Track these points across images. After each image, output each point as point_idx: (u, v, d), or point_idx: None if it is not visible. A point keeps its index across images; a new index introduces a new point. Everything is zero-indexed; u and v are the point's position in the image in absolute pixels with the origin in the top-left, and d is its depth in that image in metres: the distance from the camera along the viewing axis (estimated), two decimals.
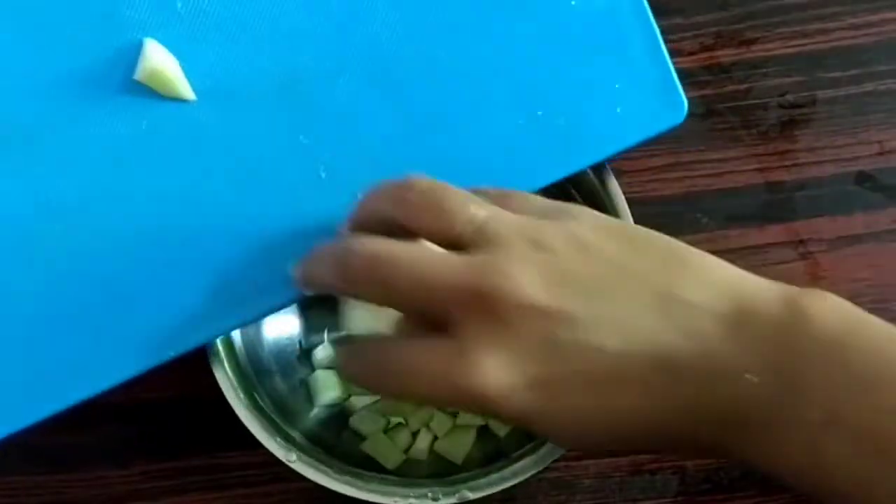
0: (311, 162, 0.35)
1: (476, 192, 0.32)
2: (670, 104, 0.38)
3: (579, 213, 0.31)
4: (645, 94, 0.38)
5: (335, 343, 0.33)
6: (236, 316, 0.37)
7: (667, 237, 0.31)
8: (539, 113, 0.36)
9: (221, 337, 0.42)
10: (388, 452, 0.45)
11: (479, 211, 0.30)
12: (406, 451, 0.46)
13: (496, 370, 0.27)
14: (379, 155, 0.36)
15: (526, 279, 0.28)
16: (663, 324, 0.28)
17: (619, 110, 0.37)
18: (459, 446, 0.46)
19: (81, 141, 0.34)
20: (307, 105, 0.35)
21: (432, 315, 0.29)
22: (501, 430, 0.46)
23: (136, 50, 0.34)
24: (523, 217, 0.30)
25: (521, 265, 0.28)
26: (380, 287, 0.29)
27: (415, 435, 0.47)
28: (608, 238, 0.30)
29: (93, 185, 0.34)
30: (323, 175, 0.35)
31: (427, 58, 0.36)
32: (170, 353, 0.36)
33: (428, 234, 0.30)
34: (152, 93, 0.34)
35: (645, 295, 0.28)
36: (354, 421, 0.47)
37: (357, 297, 0.32)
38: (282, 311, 0.48)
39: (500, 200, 0.31)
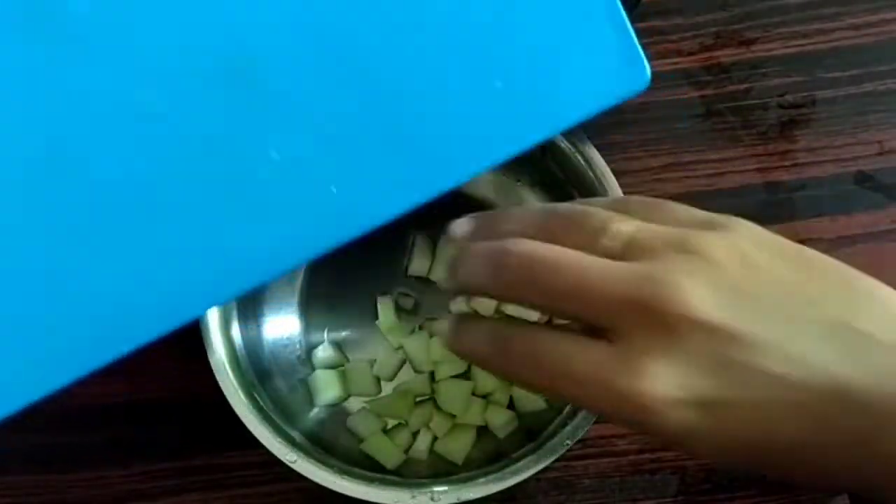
0: (262, 144, 0.34)
1: (617, 203, 0.31)
2: (633, 69, 0.38)
3: (736, 225, 0.29)
4: (607, 60, 0.37)
5: (453, 316, 0.32)
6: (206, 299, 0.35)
7: (837, 261, 0.30)
8: (497, 84, 0.36)
9: (220, 337, 0.42)
10: (388, 452, 0.45)
11: (623, 226, 0.29)
12: (406, 451, 0.46)
13: (663, 378, 0.26)
14: (334, 134, 0.35)
15: (694, 291, 0.26)
16: (840, 354, 0.26)
17: (579, 78, 0.36)
18: (459, 446, 0.46)
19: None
20: (259, 90, 0.34)
21: (588, 321, 0.28)
22: (501, 431, 0.46)
23: None
24: (674, 228, 0.29)
25: (687, 277, 0.27)
26: (538, 290, 0.28)
27: (415, 435, 0.47)
28: (774, 255, 0.28)
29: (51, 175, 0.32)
30: (276, 157, 0.34)
31: (378, 31, 0.35)
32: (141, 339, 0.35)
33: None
34: None
35: (820, 321, 0.27)
36: (352, 422, 0.47)
37: (511, 299, 0.30)
38: (282, 311, 0.49)
39: (645, 211, 0.30)
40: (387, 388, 0.48)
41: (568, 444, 0.40)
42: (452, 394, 0.47)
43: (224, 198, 0.34)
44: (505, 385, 0.47)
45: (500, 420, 0.46)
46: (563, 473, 0.49)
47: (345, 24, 0.34)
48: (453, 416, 0.47)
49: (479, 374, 0.47)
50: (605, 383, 0.27)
